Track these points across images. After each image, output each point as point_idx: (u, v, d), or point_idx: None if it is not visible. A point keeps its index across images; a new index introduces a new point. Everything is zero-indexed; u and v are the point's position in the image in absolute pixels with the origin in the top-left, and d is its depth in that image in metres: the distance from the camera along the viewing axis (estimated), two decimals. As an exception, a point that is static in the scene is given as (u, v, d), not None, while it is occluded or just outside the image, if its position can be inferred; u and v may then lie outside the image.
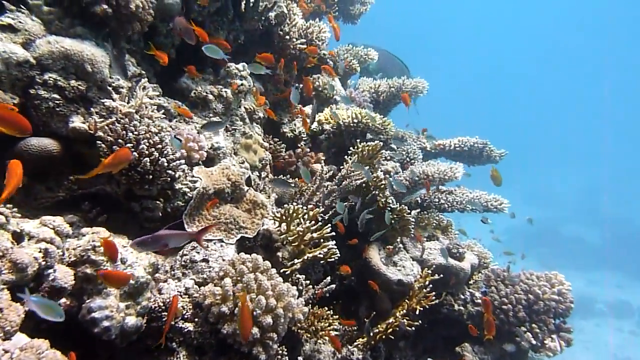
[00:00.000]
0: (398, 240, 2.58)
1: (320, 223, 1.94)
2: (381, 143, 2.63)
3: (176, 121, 1.96)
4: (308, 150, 2.72)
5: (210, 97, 2.17)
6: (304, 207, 1.90)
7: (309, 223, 1.85)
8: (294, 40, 2.74)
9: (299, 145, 2.85)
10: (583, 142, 26.42)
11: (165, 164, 1.54)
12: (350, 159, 2.57)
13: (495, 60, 34.19)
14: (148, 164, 1.50)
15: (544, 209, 17.30)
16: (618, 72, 29.55)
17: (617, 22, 28.28)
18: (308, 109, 2.99)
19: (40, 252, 1.13)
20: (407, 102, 3.30)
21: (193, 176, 1.73)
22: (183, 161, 1.68)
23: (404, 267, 2.50)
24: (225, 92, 2.22)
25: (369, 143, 2.58)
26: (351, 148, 2.65)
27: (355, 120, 2.71)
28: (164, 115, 1.80)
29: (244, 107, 2.38)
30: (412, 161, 3.56)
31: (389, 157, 3.36)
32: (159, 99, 1.91)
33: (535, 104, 31.56)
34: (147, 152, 1.50)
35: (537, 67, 33.62)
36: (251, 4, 2.40)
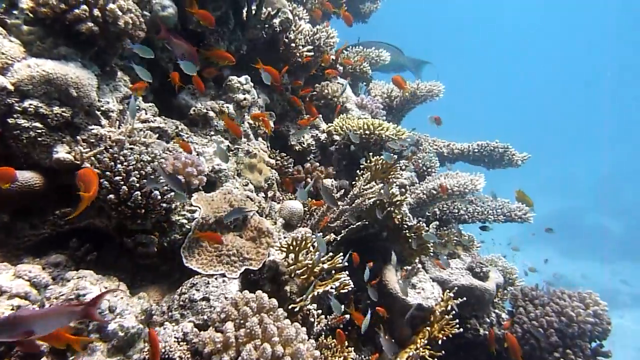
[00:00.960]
0: (417, 260, 2.41)
1: (331, 253, 1.79)
2: (395, 156, 2.47)
3: (174, 142, 1.83)
4: (317, 164, 2.57)
5: (211, 113, 2.04)
6: (314, 235, 1.75)
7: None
8: (300, 47, 2.59)
9: (309, 158, 2.71)
10: (602, 126, 25.63)
11: (159, 197, 1.41)
12: (363, 174, 2.42)
13: (506, 48, 33.64)
14: (139, 197, 1.37)
15: (563, 198, 16.79)
16: (634, 51, 28.63)
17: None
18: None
19: (12, 309, 1.00)
20: (403, 86, 3.13)
21: (192, 204, 1.60)
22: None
23: (423, 290, 2.33)
24: (227, 107, 2.09)
25: (382, 157, 2.42)
26: (363, 162, 2.49)
27: (367, 132, 2.55)
28: (158, 140, 1.67)
29: (248, 123, 2.24)
30: (429, 170, 3.39)
31: (404, 167, 3.19)
32: (155, 119, 1.78)
33: (550, 88, 30.85)
34: (138, 185, 1.37)
35: (550, 50, 32.91)
36: (253, 12, 2.26)
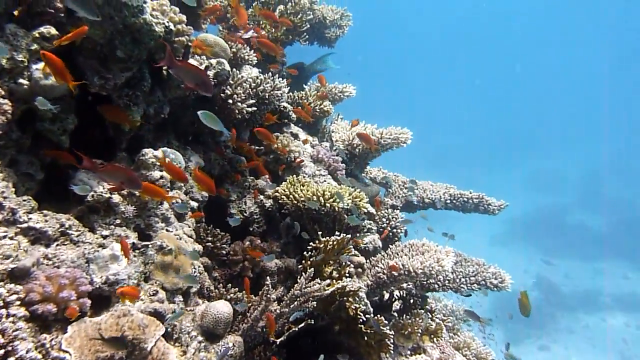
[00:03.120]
0: (374, 358, 2.10)
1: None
2: (348, 236, 2.17)
3: (57, 246, 1.47)
4: (259, 241, 2.24)
5: (116, 198, 1.68)
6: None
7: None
8: (239, 104, 2.28)
9: (251, 229, 2.37)
10: (585, 123, 26.25)
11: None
12: (311, 258, 2.10)
13: (490, 45, 34.38)
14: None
15: (546, 195, 16.95)
16: (620, 51, 29.78)
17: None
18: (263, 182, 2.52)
19: None
20: (369, 141, 2.88)
21: (61, 349, 1.23)
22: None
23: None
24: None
25: (334, 237, 2.12)
26: (311, 243, 2.18)
27: (317, 204, 2.24)
28: (32, 246, 1.31)
29: (168, 204, 1.90)
30: (394, 230, 3.11)
31: (365, 230, 2.89)
32: (30, 219, 1.42)
33: (533, 84, 31.71)
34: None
35: (534, 48, 33.84)
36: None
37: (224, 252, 2.13)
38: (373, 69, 31.39)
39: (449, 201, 3.63)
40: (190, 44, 1.89)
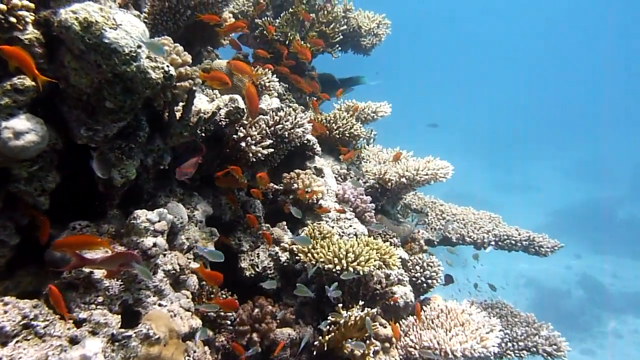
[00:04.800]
0: None
1: None
2: (374, 311, 1.90)
3: (17, 343, 1.27)
4: (270, 307, 1.99)
5: (99, 273, 1.48)
6: None
7: None
8: (254, 147, 2.03)
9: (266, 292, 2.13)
10: (635, 109, 24.57)
11: None
12: (329, 334, 1.84)
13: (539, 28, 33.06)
14: None
15: (594, 187, 15.97)
16: None
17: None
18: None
19: None
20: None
21: None
22: None
23: None
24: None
25: (356, 313, 1.85)
26: (329, 316, 1.91)
27: (338, 268, 1.97)
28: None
29: (163, 271, 1.68)
30: (429, 281, 2.80)
31: (396, 282, 2.60)
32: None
33: (581, 67, 30.12)
34: None
35: (588, 31, 32.22)
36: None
37: (229, 321, 1.90)
38: (405, 63, 30.72)
39: (493, 243, 3.27)
40: (195, 88, 1.65)
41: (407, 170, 2.82)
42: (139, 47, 1.42)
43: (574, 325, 9.32)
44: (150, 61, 1.50)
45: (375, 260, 2.07)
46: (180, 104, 1.72)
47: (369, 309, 1.90)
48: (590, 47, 31.43)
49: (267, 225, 2.28)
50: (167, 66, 1.53)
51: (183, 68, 1.60)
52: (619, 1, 28.60)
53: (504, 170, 18.04)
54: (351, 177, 3.19)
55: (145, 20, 2.22)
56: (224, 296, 1.93)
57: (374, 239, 2.49)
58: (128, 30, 1.40)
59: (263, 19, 3.33)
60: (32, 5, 1.34)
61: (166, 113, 1.69)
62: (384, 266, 2.22)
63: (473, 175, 16.87)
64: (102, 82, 1.42)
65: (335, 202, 2.64)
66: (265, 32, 3.27)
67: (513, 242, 3.20)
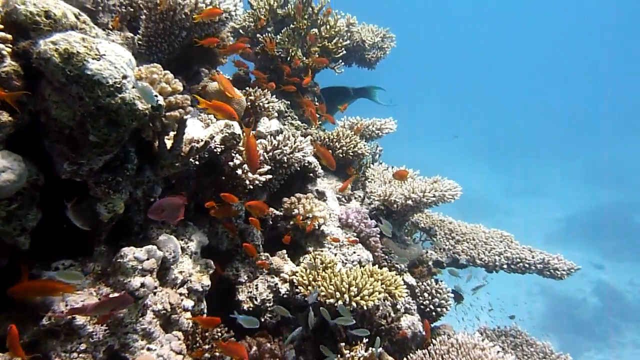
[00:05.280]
0: None
1: None
2: (380, 351, 1.78)
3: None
4: (268, 344, 1.89)
5: (81, 319, 1.39)
6: None
7: None
8: (250, 174, 1.94)
9: (263, 319, 2.03)
10: None
11: None
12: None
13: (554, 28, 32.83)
14: None
15: (608, 191, 15.54)
16: None
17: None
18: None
19: None
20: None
21: None
22: None
23: None
24: (113, 302, 1.44)
25: (360, 354, 1.74)
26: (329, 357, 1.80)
27: (340, 302, 1.86)
28: None
29: (152, 312, 1.59)
30: (439, 309, 2.68)
31: (403, 311, 2.49)
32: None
33: (595, 66, 29.74)
34: None
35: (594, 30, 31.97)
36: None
37: (223, 361, 1.80)
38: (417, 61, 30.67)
39: (505, 266, 3.14)
40: (186, 117, 1.57)
41: (413, 192, 2.71)
42: (124, 77, 1.34)
43: (590, 334, 9.06)
44: (137, 91, 1.43)
45: (380, 293, 1.96)
46: (172, 132, 1.64)
47: (373, 349, 1.78)
48: (604, 47, 31.15)
49: (266, 254, 2.18)
50: (155, 95, 1.45)
51: (173, 97, 1.52)
52: (632, 1, 28.39)
53: (514, 174, 17.79)
54: (355, 198, 3.09)
55: (140, 42, 2.16)
56: (221, 334, 1.83)
57: (380, 266, 2.39)
58: (112, 60, 1.32)
59: (264, 35, 3.27)
60: (9, 36, 1.27)
61: (156, 143, 1.61)
62: (389, 297, 2.11)
63: (482, 180, 16.68)
64: (85, 115, 1.34)
65: (338, 226, 2.54)
66: (266, 48, 3.21)
67: (526, 265, 3.07)
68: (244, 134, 1.66)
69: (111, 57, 1.32)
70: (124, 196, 1.58)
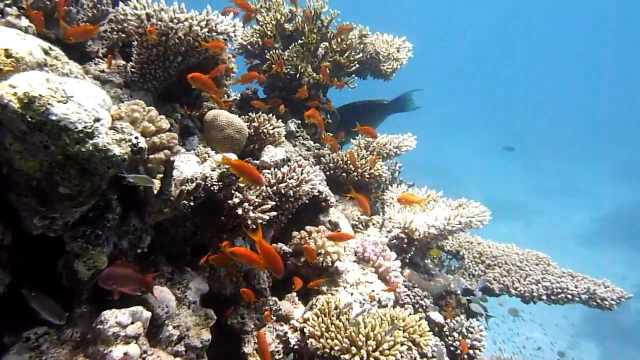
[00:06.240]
0: None
1: None
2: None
3: None
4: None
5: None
6: None
7: None
8: (251, 213, 1.75)
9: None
10: None
11: None
12: None
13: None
14: None
15: None
16: None
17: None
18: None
19: None
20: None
21: None
22: None
23: None
24: None
25: None
26: None
27: (357, 359, 1.65)
28: None
29: (140, 381, 1.40)
30: (471, 351, 2.42)
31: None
32: None
33: (626, 61, 28.75)
34: None
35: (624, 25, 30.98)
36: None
37: None
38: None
39: (545, 297, 2.86)
40: (173, 158, 1.40)
41: (436, 219, 2.48)
42: (97, 120, 1.18)
43: (635, 342, 8.50)
44: (115, 132, 1.26)
45: (402, 345, 1.74)
46: (159, 175, 1.47)
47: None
48: (633, 44, 30.17)
49: (274, 298, 1.99)
50: (136, 137, 1.28)
51: (157, 137, 1.35)
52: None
53: (543, 173, 17.17)
54: (374, 225, 2.88)
55: (133, 69, 2.02)
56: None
57: (402, 304, 2.17)
58: (81, 102, 1.16)
59: (271, 52, 3.11)
60: (-38, 81, 1.12)
61: (141, 188, 1.43)
62: (413, 347, 1.88)
63: (512, 179, 16.14)
64: (53, 166, 1.18)
65: (354, 261, 2.33)
66: (274, 65, 3.05)
67: (569, 296, 2.78)
68: (257, 244, 1.46)
69: (80, 98, 1.16)
70: (107, 249, 1.41)
